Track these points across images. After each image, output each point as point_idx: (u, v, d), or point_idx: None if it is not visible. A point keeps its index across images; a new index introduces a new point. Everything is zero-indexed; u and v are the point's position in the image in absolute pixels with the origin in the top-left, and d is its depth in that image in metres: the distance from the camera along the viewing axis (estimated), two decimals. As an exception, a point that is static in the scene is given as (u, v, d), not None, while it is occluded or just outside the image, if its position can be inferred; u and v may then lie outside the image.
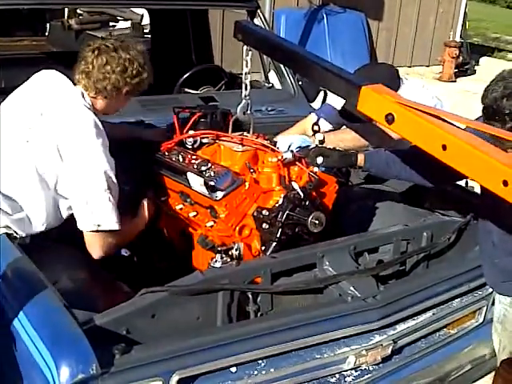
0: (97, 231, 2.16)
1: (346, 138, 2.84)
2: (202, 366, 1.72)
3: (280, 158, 2.40)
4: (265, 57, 3.71)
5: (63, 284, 2.00)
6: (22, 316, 1.71)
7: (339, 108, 3.17)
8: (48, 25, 6.87)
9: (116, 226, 2.18)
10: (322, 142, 2.62)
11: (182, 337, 1.77)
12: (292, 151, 2.49)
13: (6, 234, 2.13)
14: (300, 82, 3.64)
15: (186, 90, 3.67)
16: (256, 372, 1.84)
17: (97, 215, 2.15)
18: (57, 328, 1.66)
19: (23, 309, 1.72)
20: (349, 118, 3.01)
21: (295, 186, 2.32)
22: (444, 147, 1.68)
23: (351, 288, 2.09)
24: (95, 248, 2.19)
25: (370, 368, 2.08)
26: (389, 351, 2.09)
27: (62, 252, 2.25)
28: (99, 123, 2.21)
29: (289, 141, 2.71)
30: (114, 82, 2.26)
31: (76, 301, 1.80)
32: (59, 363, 1.55)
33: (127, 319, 1.78)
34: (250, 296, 2.04)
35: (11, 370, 1.73)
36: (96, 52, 2.27)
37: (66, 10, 6.63)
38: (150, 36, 5.69)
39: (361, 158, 2.51)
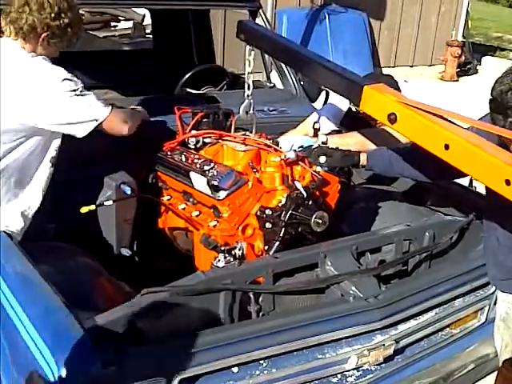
0: (100, 123, 2.25)
1: (350, 143, 2.84)
2: (204, 366, 1.72)
3: (283, 157, 2.40)
4: (266, 57, 3.71)
5: (64, 284, 1.99)
6: (23, 316, 1.71)
7: (341, 108, 3.20)
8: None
9: (106, 111, 2.26)
10: (324, 143, 2.62)
11: (183, 337, 1.77)
12: (295, 151, 2.49)
13: (5, 232, 2.13)
14: (302, 82, 3.64)
15: (188, 90, 3.67)
16: (258, 372, 1.84)
17: (86, 115, 2.23)
18: (58, 328, 1.67)
19: (24, 308, 1.72)
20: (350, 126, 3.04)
21: (298, 185, 2.31)
22: (447, 147, 1.67)
23: (353, 288, 2.08)
24: (118, 128, 2.34)
25: (372, 368, 2.08)
26: (391, 351, 2.09)
27: (63, 251, 2.25)
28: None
29: (291, 141, 2.71)
30: (31, 21, 2.22)
31: (77, 301, 1.80)
32: (60, 363, 1.55)
33: (128, 319, 1.77)
34: (252, 296, 2.03)
35: (12, 369, 1.73)
36: None
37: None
38: (151, 36, 5.70)
39: (363, 157, 2.51)
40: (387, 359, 2.10)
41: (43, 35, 2.24)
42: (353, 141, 2.86)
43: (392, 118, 1.84)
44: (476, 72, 11.08)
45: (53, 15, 2.23)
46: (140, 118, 2.55)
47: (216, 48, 5.18)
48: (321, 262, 2.20)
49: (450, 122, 1.78)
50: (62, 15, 2.25)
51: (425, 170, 2.41)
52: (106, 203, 2.41)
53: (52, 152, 2.35)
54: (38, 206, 2.37)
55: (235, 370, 1.80)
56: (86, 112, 2.24)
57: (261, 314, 2.07)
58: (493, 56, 12.43)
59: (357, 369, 2.05)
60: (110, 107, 2.30)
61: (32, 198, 2.35)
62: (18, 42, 2.24)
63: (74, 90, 2.20)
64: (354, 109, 3.09)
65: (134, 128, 2.43)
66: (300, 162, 2.46)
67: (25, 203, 2.33)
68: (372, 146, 2.90)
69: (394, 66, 10.28)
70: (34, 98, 2.17)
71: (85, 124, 2.24)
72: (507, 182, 1.52)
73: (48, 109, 2.19)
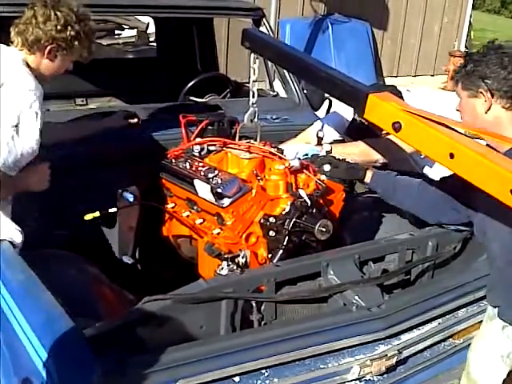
0: None
1: (354, 152, 2.84)
2: (206, 375, 1.70)
3: (287, 165, 2.40)
4: (270, 65, 3.72)
5: (66, 291, 1.98)
6: (24, 323, 1.70)
7: (344, 117, 3.20)
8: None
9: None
10: (329, 152, 2.61)
11: (185, 345, 1.75)
12: (299, 159, 2.48)
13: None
14: (305, 91, 3.64)
15: (191, 97, 3.67)
16: (259, 381, 1.81)
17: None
18: (59, 336, 1.65)
19: (26, 316, 1.71)
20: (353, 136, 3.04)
21: (302, 193, 2.31)
22: (451, 155, 1.67)
23: (356, 297, 2.07)
24: None
25: (375, 378, 2.06)
26: (394, 361, 2.07)
27: (65, 259, 2.25)
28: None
29: (296, 149, 2.71)
30: (36, 33, 2.22)
31: (79, 308, 1.79)
32: (61, 371, 1.54)
33: (130, 327, 1.77)
34: (254, 305, 2.02)
35: (12, 377, 1.72)
36: (30, 6, 2.27)
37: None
38: (155, 44, 5.72)
39: (369, 174, 2.50)
40: (390, 369, 2.08)
41: (48, 47, 2.24)
42: (357, 150, 2.86)
43: (397, 127, 1.83)
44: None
45: (58, 27, 2.23)
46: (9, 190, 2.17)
47: (219, 56, 5.20)
48: (323, 270, 2.18)
49: (454, 130, 1.78)
50: (69, 28, 2.24)
51: (426, 208, 2.42)
52: (110, 210, 2.41)
53: None
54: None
55: (237, 379, 1.78)
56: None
57: (263, 323, 2.06)
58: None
59: (359, 379, 2.02)
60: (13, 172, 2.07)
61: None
62: (23, 52, 2.25)
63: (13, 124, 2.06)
64: (357, 119, 3.09)
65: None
66: (304, 170, 2.45)
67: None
68: (376, 156, 2.90)
69: (396, 76, 10.30)
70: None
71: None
72: (512, 192, 1.51)
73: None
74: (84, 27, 2.29)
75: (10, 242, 2.13)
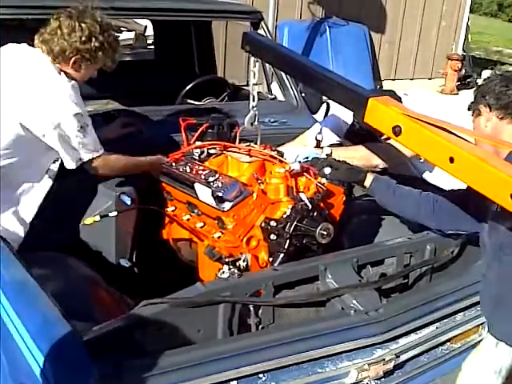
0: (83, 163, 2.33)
1: (355, 156, 2.84)
2: (203, 379, 1.70)
3: (288, 168, 2.39)
4: (267, 68, 3.72)
5: (63, 294, 1.97)
6: (20, 327, 1.69)
7: (343, 120, 3.20)
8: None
9: (95, 154, 2.34)
10: (329, 155, 2.62)
11: (182, 349, 1.75)
12: (299, 162, 2.48)
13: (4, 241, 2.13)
14: (303, 94, 3.64)
15: (189, 100, 3.67)
16: (257, 386, 1.82)
17: (76, 153, 2.31)
18: (56, 339, 1.64)
19: (22, 319, 1.71)
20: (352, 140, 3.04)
21: (303, 196, 2.31)
22: (451, 160, 1.67)
23: (354, 301, 2.07)
24: (96, 171, 2.39)
25: (373, 382, 2.06)
26: (391, 366, 2.07)
27: (62, 262, 2.24)
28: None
29: (296, 152, 2.71)
30: (61, 44, 2.27)
31: (75, 312, 1.78)
32: (58, 375, 1.53)
33: (127, 331, 1.76)
34: (252, 309, 2.02)
35: (8, 380, 1.71)
36: (55, 17, 2.32)
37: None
38: (153, 47, 5.71)
39: (369, 178, 2.50)
40: (387, 374, 2.08)
41: (73, 58, 2.29)
42: (358, 154, 2.87)
43: (397, 131, 1.83)
44: (476, 85, 11.09)
45: (83, 39, 2.27)
46: (126, 162, 2.51)
47: (217, 59, 5.20)
48: (321, 274, 2.18)
49: (455, 135, 1.78)
50: (93, 39, 2.29)
51: (424, 217, 2.43)
52: (110, 214, 2.40)
53: (50, 165, 2.39)
54: (31, 218, 2.39)
55: (234, 383, 1.78)
56: (74, 150, 2.30)
57: (260, 327, 2.06)
58: (493, 70, 12.47)
59: (357, 383, 2.02)
60: (100, 152, 2.35)
61: (27, 210, 2.38)
62: (50, 58, 2.29)
63: (78, 128, 2.26)
64: (356, 124, 3.09)
65: (118, 173, 2.48)
66: (305, 174, 2.45)
67: (20, 214, 2.35)
68: (377, 161, 2.90)
69: (394, 79, 10.32)
70: (45, 113, 2.23)
71: (70, 160, 2.32)
72: (512, 197, 1.51)
73: (50, 130, 2.24)
74: (108, 37, 2.34)
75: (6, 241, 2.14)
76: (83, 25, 2.28)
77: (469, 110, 2.23)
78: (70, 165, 2.33)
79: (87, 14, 2.32)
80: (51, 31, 2.29)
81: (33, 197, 2.38)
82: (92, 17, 2.32)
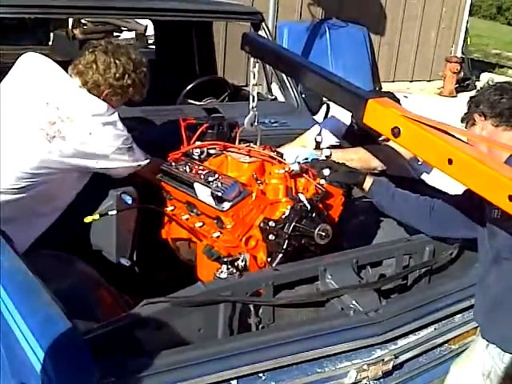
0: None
1: (354, 158, 2.85)
2: (203, 378, 1.70)
3: (287, 169, 2.40)
4: (268, 69, 3.72)
5: (64, 293, 1.98)
6: (22, 324, 1.70)
7: (342, 122, 3.21)
8: (52, 34, 6.90)
9: (147, 161, 2.50)
10: (328, 157, 2.62)
11: (182, 349, 1.76)
12: (299, 163, 2.49)
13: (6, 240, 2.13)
14: (303, 95, 3.65)
15: (190, 101, 3.68)
16: (257, 385, 1.83)
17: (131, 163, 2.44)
18: (57, 338, 1.65)
19: (24, 317, 1.71)
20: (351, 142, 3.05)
21: (302, 197, 2.31)
22: (450, 161, 1.68)
23: (353, 302, 2.08)
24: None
25: (371, 383, 2.06)
26: (390, 366, 2.07)
27: (64, 261, 2.24)
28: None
29: (296, 153, 2.72)
30: (95, 78, 2.32)
31: (76, 311, 1.78)
32: (59, 374, 1.53)
33: (128, 330, 1.77)
34: (252, 308, 2.02)
35: (10, 378, 1.72)
36: (91, 49, 2.38)
37: (71, 19, 6.68)
38: (153, 47, 5.72)
39: (368, 180, 2.51)
40: (386, 374, 2.08)
41: (105, 92, 2.34)
42: (356, 156, 2.87)
43: (396, 132, 1.84)
44: (474, 88, 11.10)
45: (117, 75, 2.34)
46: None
47: (217, 60, 5.20)
48: (321, 275, 2.19)
49: (453, 136, 1.79)
50: (126, 76, 2.35)
51: (423, 222, 2.45)
52: (110, 213, 2.41)
53: (79, 186, 2.45)
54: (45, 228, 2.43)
55: (234, 382, 1.78)
56: (125, 164, 2.42)
57: (260, 327, 2.06)
58: (491, 73, 12.51)
59: (356, 383, 2.03)
60: (147, 160, 2.50)
61: (45, 222, 2.43)
62: (85, 90, 2.34)
63: (121, 148, 2.34)
64: (355, 125, 3.09)
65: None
66: (304, 175, 2.46)
67: (38, 225, 2.41)
68: (376, 163, 2.91)
69: (393, 81, 10.34)
70: (89, 146, 2.29)
71: (123, 170, 2.45)
72: (510, 198, 1.52)
73: (96, 156, 2.32)
74: (139, 74, 2.41)
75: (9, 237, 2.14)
76: (118, 62, 2.34)
77: (462, 121, 2.27)
78: (120, 174, 2.48)
79: (122, 51, 2.39)
80: (86, 64, 2.34)
81: (55, 211, 2.43)
82: (127, 54, 2.39)
